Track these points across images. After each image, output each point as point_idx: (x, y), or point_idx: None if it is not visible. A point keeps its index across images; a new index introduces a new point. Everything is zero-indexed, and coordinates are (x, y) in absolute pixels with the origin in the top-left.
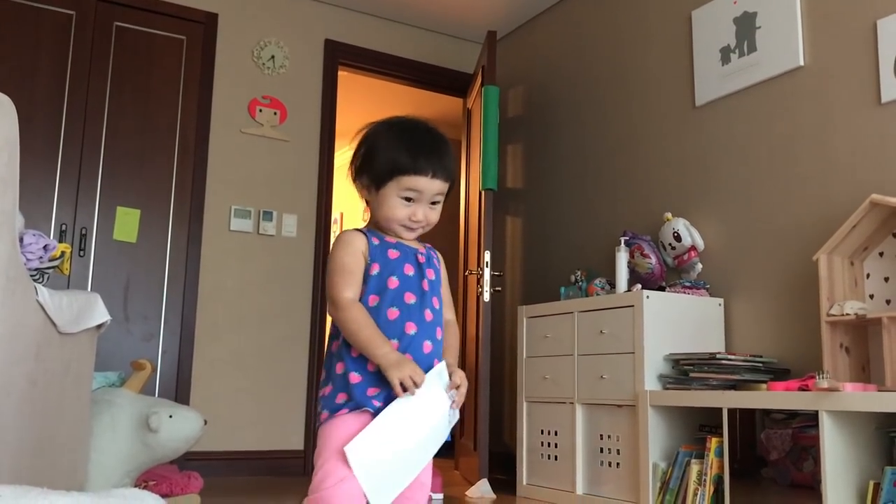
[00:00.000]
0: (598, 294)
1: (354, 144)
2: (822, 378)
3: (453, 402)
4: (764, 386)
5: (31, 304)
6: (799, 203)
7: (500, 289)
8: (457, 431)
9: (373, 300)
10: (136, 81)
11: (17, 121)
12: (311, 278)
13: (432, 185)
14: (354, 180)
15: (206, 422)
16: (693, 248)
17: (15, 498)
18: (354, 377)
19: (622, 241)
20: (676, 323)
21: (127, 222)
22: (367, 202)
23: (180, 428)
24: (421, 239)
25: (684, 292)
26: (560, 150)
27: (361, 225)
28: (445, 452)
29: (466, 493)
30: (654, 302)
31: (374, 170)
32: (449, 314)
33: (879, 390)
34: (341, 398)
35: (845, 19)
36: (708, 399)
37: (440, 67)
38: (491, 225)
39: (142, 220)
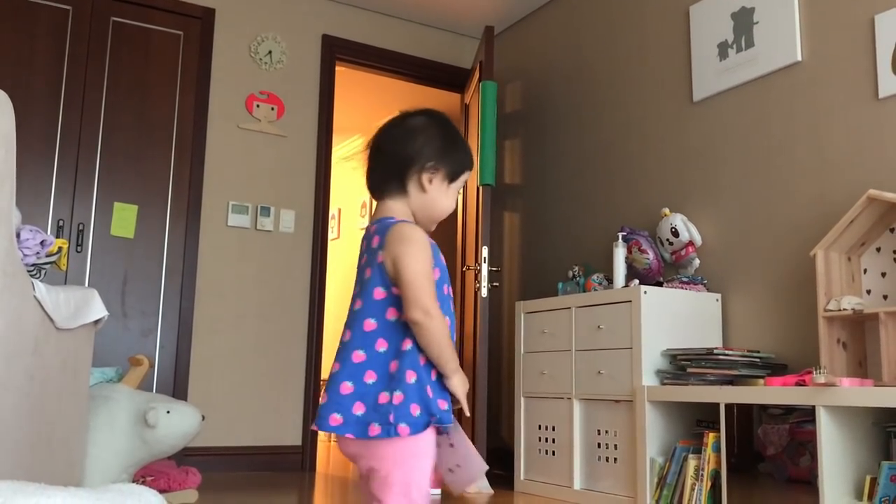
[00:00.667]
0: (595, 289)
1: (418, 131)
2: (820, 373)
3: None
4: (761, 381)
5: (28, 299)
6: (796, 198)
7: (497, 284)
8: None
9: None
10: (133, 77)
11: (14, 116)
12: (308, 274)
13: None
14: (425, 168)
15: (203, 417)
16: (691, 243)
17: (12, 493)
18: (429, 390)
19: (620, 237)
20: (674, 318)
21: (124, 218)
22: (410, 193)
23: (178, 423)
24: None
25: (682, 288)
26: (558, 145)
27: (366, 220)
28: None
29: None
30: (651, 297)
31: (455, 162)
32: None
33: (876, 385)
34: (416, 410)
35: (843, 14)
36: (705, 394)
37: (438, 63)
38: (489, 220)
39: (139, 216)
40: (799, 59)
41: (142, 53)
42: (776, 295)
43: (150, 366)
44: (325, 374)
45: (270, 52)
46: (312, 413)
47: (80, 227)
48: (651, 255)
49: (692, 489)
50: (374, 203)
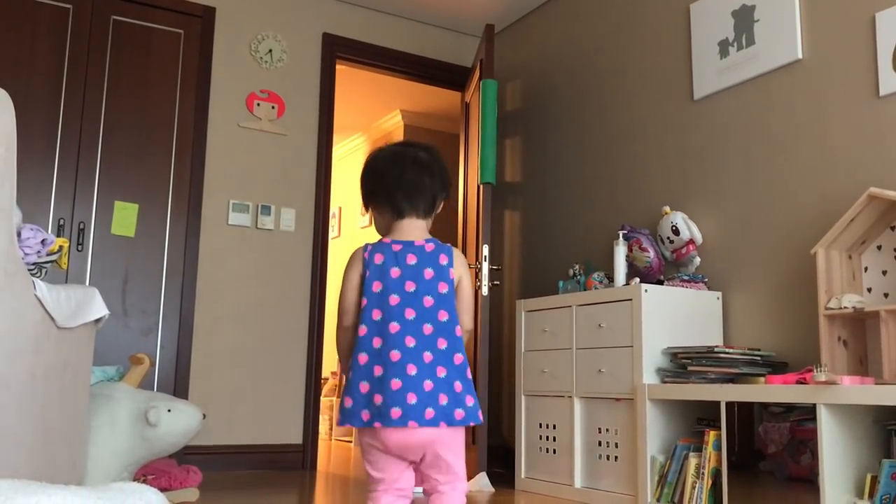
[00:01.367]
0: (596, 288)
1: (438, 168)
2: (820, 371)
3: None
4: (762, 379)
5: (29, 298)
6: (797, 196)
7: (498, 283)
8: None
9: None
10: (134, 75)
11: (15, 115)
12: (309, 272)
13: None
14: (444, 199)
15: (204, 416)
16: (691, 241)
17: (13, 492)
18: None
19: (620, 235)
20: (675, 317)
21: (125, 217)
22: (430, 216)
23: (179, 422)
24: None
25: (682, 286)
26: (558, 143)
27: (366, 219)
28: None
29: None
30: (652, 295)
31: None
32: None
33: (877, 383)
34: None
35: (843, 12)
36: (706, 392)
37: (438, 61)
38: (489, 219)
39: (140, 215)
40: (799, 56)
41: (142, 52)
42: (777, 293)
43: (150, 364)
44: (325, 373)
45: (271, 50)
46: (313, 411)
47: (81, 226)
48: (652, 254)
49: (693, 487)
50: (401, 218)
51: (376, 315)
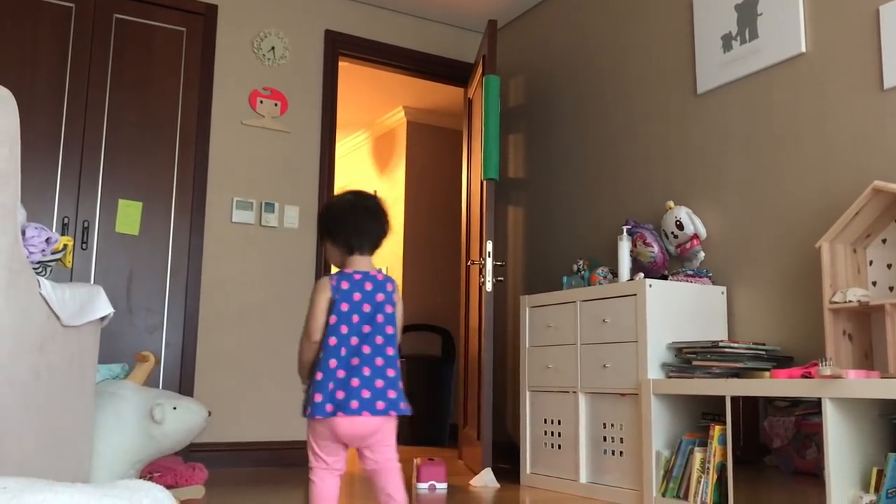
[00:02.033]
0: (600, 283)
1: (383, 215)
2: (825, 365)
3: None
4: (767, 373)
5: (34, 297)
6: (801, 190)
7: (502, 279)
8: (460, 421)
9: None
10: (137, 74)
11: (18, 114)
12: (312, 270)
13: None
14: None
15: (209, 413)
16: (696, 236)
17: (20, 490)
18: None
19: (624, 230)
20: (679, 311)
21: (129, 215)
22: (375, 252)
23: (184, 419)
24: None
25: (687, 281)
26: (561, 138)
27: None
28: (449, 442)
29: (470, 482)
30: (656, 290)
31: None
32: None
33: (882, 377)
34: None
35: (847, 5)
36: (711, 387)
37: (441, 57)
38: (493, 215)
39: (144, 213)
40: (803, 50)
41: (145, 50)
42: (781, 287)
43: (155, 362)
44: None
45: (273, 47)
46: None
47: (85, 225)
48: (656, 249)
49: (698, 482)
50: (352, 254)
51: (343, 330)
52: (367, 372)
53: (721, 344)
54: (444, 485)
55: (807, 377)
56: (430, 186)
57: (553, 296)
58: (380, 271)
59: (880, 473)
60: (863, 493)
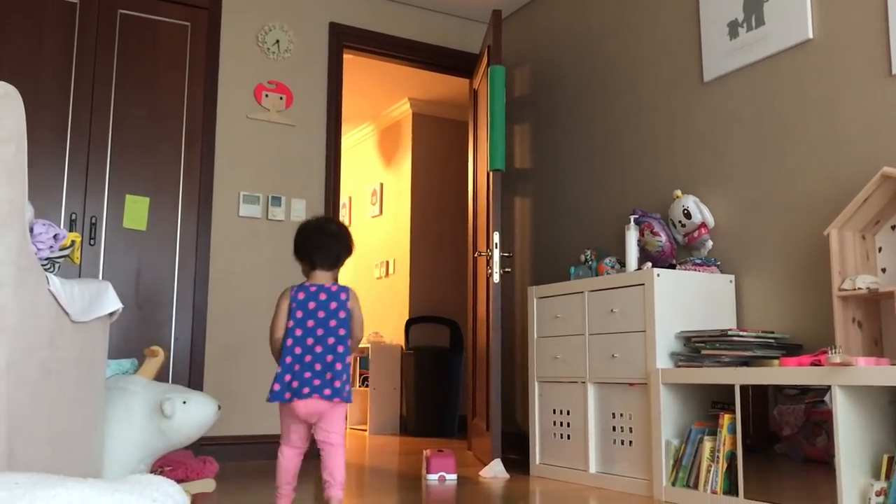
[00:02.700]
0: (608, 273)
1: (344, 237)
2: (835, 353)
3: None
4: (776, 362)
5: (43, 293)
6: (809, 177)
7: (509, 270)
8: (469, 412)
9: None
10: (142, 69)
11: (24, 111)
12: None
13: None
14: (346, 256)
15: (219, 407)
16: (703, 224)
17: (32, 486)
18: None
19: (632, 220)
20: (687, 300)
21: (136, 210)
22: (337, 268)
23: (194, 413)
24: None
25: (695, 269)
26: (568, 128)
27: (376, 208)
28: (458, 433)
29: (480, 473)
30: (664, 280)
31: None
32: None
33: (892, 364)
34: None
35: None
36: (720, 376)
37: (445, 48)
38: (499, 206)
39: (151, 208)
40: (810, 36)
41: (149, 45)
42: (790, 275)
43: (165, 357)
44: None
45: (278, 41)
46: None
47: (93, 221)
48: (663, 238)
49: (708, 471)
50: (314, 269)
51: (298, 332)
52: (318, 367)
53: (730, 332)
54: (454, 476)
55: (816, 365)
56: (436, 178)
57: (561, 286)
58: (335, 284)
59: (891, 461)
60: (873, 481)
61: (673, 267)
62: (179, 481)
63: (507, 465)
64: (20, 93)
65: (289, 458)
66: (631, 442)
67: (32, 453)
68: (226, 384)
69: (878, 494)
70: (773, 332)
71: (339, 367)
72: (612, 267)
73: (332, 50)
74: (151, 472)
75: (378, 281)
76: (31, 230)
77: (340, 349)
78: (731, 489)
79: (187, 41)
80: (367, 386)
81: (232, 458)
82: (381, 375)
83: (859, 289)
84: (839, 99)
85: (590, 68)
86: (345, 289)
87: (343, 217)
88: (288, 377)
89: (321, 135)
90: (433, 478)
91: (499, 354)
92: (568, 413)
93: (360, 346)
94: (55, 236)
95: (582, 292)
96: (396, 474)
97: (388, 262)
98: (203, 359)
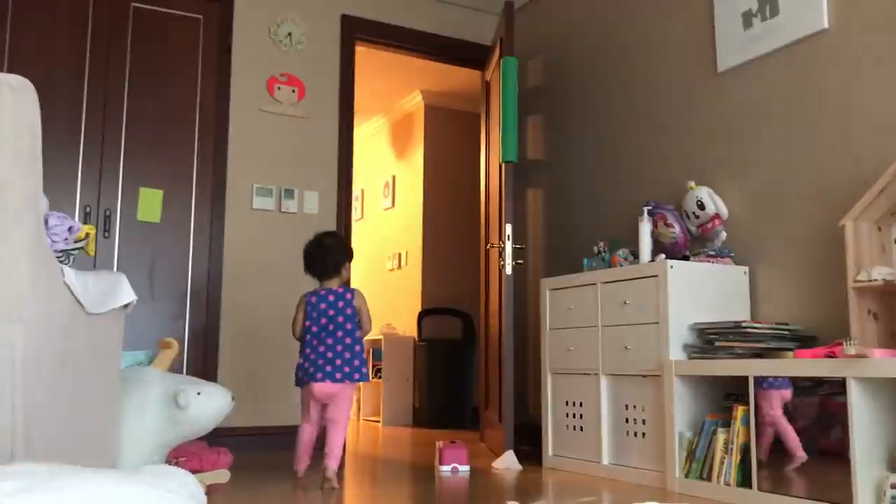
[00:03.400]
0: (621, 265)
1: (339, 248)
2: (850, 345)
3: None
4: (790, 354)
5: (58, 285)
6: (824, 168)
7: (522, 262)
8: (482, 404)
9: None
10: (155, 62)
11: (39, 104)
12: None
13: None
14: (347, 262)
15: (234, 398)
16: (717, 216)
17: (48, 476)
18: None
19: (645, 211)
20: (701, 292)
21: (150, 202)
22: (342, 274)
23: (208, 405)
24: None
25: (709, 261)
26: (581, 119)
27: (389, 201)
28: (471, 425)
29: (492, 464)
30: (678, 271)
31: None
32: None
33: None
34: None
35: None
36: (734, 368)
37: (458, 40)
38: (512, 198)
39: (165, 200)
40: (826, 26)
41: (162, 38)
42: (805, 266)
43: (178, 348)
44: None
45: (290, 33)
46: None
47: (107, 213)
48: (677, 229)
49: (721, 463)
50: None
51: (314, 329)
52: (329, 355)
53: (744, 324)
54: (467, 467)
55: (831, 357)
56: (448, 170)
57: (573, 278)
58: (341, 286)
59: None
60: (889, 473)
61: (686, 258)
62: (194, 472)
63: (520, 457)
64: (34, 86)
65: (307, 433)
66: (644, 434)
67: (49, 444)
68: (239, 375)
69: (893, 487)
70: (787, 324)
71: (347, 355)
72: (626, 258)
73: (345, 42)
74: (166, 463)
75: (390, 273)
76: (46, 222)
77: (348, 340)
78: (744, 481)
79: (200, 34)
80: (379, 377)
81: (246, 448)
82: (393, 367)
83: (875, 280)
84: (854, 89)
85: (602, 60)
86: (351, 289)
87: (355, 209)
88: (307, 364)
89: (333, 127)
90: (446, 469)
91: (511, 346)
92: (581, 405)
93: (373, 337)
94: (70, 228)
95: (595, 284)
96: (409, 465)
97: (400, 255)
98: (217, 350)
